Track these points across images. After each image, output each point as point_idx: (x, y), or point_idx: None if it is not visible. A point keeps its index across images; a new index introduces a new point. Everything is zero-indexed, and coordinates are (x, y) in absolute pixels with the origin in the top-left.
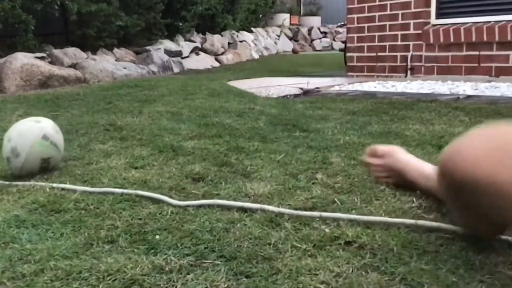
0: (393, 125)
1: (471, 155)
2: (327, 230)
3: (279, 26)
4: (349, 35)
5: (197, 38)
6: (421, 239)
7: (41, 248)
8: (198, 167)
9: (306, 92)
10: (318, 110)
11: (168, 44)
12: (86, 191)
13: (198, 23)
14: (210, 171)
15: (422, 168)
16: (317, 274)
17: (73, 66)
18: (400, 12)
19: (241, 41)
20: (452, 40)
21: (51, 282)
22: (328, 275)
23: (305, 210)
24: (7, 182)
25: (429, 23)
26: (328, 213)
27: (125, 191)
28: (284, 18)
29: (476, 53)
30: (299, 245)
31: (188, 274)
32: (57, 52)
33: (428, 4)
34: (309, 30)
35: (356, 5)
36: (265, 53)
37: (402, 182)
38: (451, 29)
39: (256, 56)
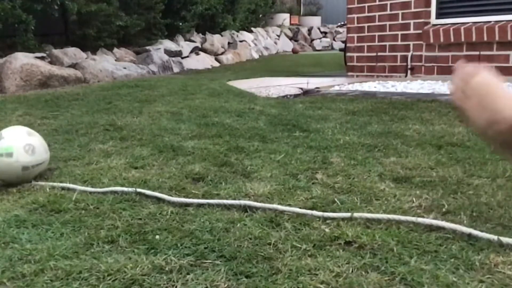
0: (393, 125)
1: None
2: (327, 230)
3: (279, 26)
4: (349, 35)
5: (197, 38)
6: (421, 239)
7: (41, 248)
8: (198, 167)
9: (306, 92)
10: (318, 110)
11: (168, 44)
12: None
13: (198, 23)
14: (210, 171)
15: None
16: (317, 274)
17: (73, 66)
18: (400, 12)
19: (241, 41)
20: (452, 40)
21: (51, 282)
22: (328, 275)
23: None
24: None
25: (429, 23)
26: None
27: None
28: (284, 18)
29: (476, 53)
30: (299, 245)
31: (188, 274)
32: (57, 52)
33: (428, 4)
34: (309, 30)
35: (356, 5)
36: (265, 53)
37: None
38: (451, 29)
39: (256, 56)
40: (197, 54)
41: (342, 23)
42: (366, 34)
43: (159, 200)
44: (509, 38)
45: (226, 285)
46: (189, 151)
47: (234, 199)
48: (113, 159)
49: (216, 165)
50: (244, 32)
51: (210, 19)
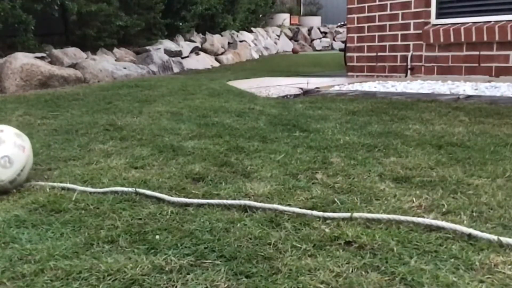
0: (393, 125)
1: None
2: (327, 230)
3: (279, 26)
4: (349, 35)
5: (197, 38)
6: (421, 239)
7: (41, 248)
8: (198, 167)
9: (306, 92)
10: (318, 110)
11: (168, 44)
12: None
13: (198, 23)
14: (210, 171)
15: None
16: (317, 274)
17: (73, 66)
18: (400, 12)
19: (241, 41)
20: (452, 40)
21: (51, 282)
22: (328, 275)
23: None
24: None
25: (429, 23)
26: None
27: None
28: (284, 18)
29: (476, 53)
30: (299, 245)
31: (188, 274)
32: (57, 52)
33: (428, 4)
34: (309, 30)
35: (356, 5)
36: (265, 53)
37: None
38: (451, 29)
39: (256, 56)
40: (197, 54)
41: (342, 23)
42: (366, 34)
43: (159, 200)
44: (509, 38)
45: (226, 285)
46: (189, 151)
47: (234, 199)
48: (113, 159)
49: (216, 165)
50: (244, 32)
51: (210, 19)
